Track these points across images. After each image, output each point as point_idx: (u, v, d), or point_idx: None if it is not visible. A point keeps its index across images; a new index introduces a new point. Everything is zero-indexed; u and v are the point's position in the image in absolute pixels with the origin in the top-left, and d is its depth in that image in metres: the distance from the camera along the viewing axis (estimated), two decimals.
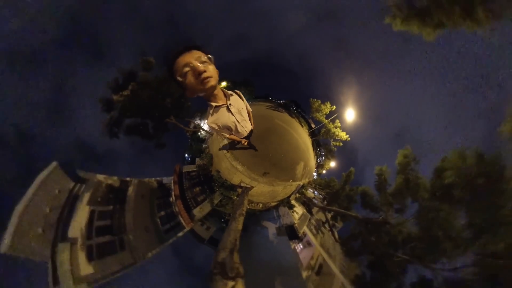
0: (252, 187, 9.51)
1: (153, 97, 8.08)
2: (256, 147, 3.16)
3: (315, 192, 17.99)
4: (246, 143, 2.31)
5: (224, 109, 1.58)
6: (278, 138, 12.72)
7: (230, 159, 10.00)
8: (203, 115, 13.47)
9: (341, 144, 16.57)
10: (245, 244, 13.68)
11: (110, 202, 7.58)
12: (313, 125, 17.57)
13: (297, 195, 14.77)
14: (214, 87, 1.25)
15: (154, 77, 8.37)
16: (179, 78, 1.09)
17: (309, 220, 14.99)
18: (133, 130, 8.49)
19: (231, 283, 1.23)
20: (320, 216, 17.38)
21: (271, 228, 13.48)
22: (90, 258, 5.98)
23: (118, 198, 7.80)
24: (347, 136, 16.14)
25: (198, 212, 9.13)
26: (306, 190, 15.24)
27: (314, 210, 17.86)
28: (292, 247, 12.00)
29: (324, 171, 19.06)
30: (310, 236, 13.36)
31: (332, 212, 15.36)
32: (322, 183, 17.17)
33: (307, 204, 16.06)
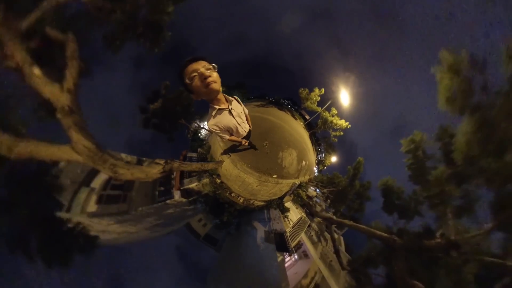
0: (223, 161, 8.03)
1: (171, 106, 9.96)
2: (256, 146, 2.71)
3: (317, 190, 13.24)
4: (246, 143, 2.04)
5: (226, 112, 1.47)
6: (260, 130, 9.22)
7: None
8: (202, 118, 12.79)
9: (342, 133, 12.12)
10: (234, 242, 10.05)
11: None
12: (307, 117, 13.56)
13: (292, 196, 10.43)
14: (217, 91, 1.21)
15: (171, 94, 10.20)
16: (187, 81, 1.09)
17: (309, 225, 10.27)
18: (156, 126, 10.53)
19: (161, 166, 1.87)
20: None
21: (260, 231, 9.33)
22: (98, 202, 7.03)
23: None
24: (347, 123, 11.71)
25: (187, 182, 9.10)
26: (303, 192, 10.66)
27: (317, 211, 12.91)
28: (280, 259, 7.52)
29: (325, 167, 14.33)
30: (307, 245, 8.65)
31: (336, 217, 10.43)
32: (324, 180, 12.47)
33: (308, 206, 11.34)
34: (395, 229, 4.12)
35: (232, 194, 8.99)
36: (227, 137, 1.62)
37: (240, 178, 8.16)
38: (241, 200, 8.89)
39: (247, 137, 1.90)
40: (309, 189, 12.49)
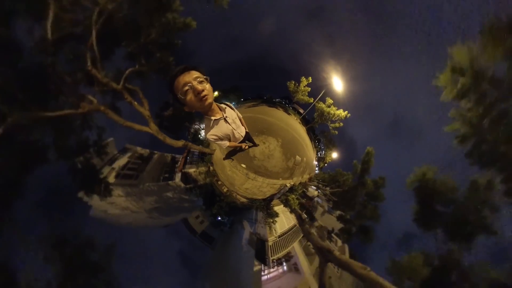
0: (214, 150, 8.00)
1: (177, 112, 11.21)
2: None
3: (318, 190, 10.38)
4: (247, 147, 1.89)
5: (222, 121, 1.33)
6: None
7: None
8: (201, 120, 13.30)
9: (342, 124, 9.47)
10: (225, 241, 8.37)
11: (140, 160, 9.94)
12: (301, 110, 11.34)
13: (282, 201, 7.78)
14: (211, 104, 1.08)
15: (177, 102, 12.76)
16: (180, 96, 0.92)
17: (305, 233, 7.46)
18: (167, 128, 12.00)
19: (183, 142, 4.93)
20: (326, 221, 9.30)
21: (247, 231, 7.32)
22: (116, 177, 8.00)
23: (145, 159, 10.12)
24: (346, 112, 9.07)
25: (188, 167, 9.60)
26: (294, 199, 7.73)
27: (317, 214, 9.94)
28: (257, 268, 5.15)
29: (326, 164, 11.43)
30: (300, 258, 6.02)
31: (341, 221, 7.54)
32: (326, 179, 9.68)
33: (299, 220, 8.10)
34: (437, 259, 1.43)
35: (219, 182, 7.55)
36: (227, 143, 1.43)
37: (220, 160, 7.26)
38: (225, 190, 7.29)
39: (245, 139, 1.74)
40: (309, 189, 9.86)
